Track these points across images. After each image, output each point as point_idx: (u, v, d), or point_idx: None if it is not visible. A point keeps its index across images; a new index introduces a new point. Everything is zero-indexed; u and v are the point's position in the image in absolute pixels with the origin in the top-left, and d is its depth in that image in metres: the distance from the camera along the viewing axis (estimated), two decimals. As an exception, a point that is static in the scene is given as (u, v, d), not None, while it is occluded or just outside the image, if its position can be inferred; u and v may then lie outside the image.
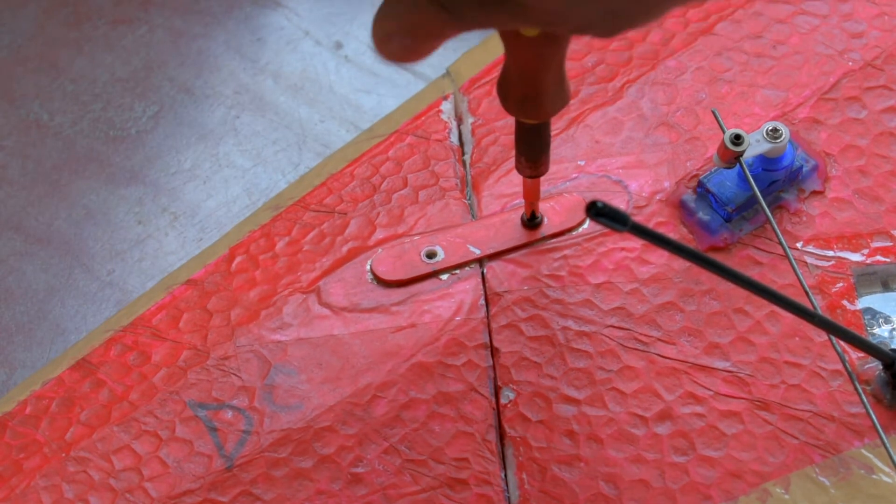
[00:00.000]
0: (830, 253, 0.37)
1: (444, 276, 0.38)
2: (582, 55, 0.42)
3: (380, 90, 0.49)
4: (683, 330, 0.36)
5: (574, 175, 0.39)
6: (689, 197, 0.38)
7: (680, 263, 0.37)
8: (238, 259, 0.39)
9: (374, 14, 0.31)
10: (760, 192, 0.36)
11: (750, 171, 0.37)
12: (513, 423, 0.35)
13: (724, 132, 0.36)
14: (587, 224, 0.38)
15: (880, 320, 0.36)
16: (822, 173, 0.39)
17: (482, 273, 0.38)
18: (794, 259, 0.36)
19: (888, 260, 0.37)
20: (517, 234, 0.38)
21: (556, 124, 0.40)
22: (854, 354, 0.35)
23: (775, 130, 0.36)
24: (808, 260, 0.37)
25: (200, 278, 0.39)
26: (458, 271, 0.38)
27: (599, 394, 0.35)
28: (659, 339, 0.36)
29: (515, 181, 0.38)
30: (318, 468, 0.34)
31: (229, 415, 0.35)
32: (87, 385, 0.36)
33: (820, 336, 0.36)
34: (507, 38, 0.31)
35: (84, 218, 0.46)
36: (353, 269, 0.38)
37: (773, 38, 0.41)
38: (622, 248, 0.37)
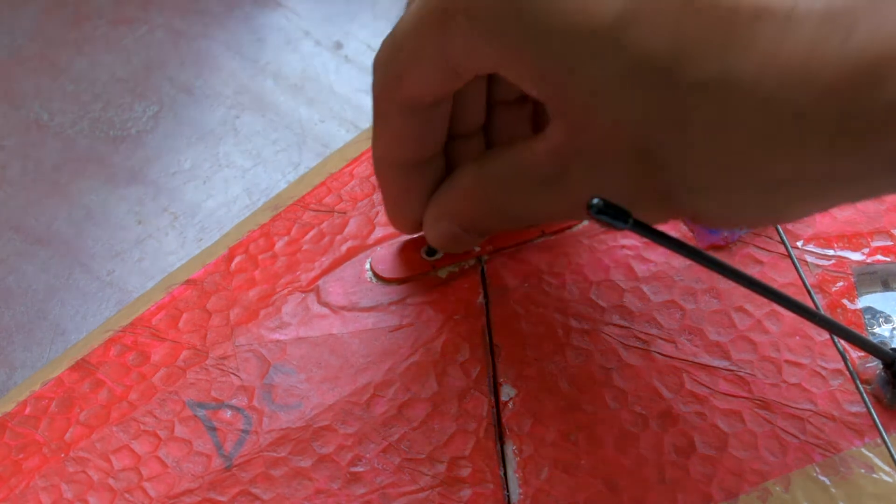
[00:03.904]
0: (831, 252, 0.37)
1: (444, 274, 0.38)
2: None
3: (380, 90, 0.49)
4: (684, 328, 0.36)
5: (574, 174, 0.39)
6: (689, 195, 0.38)
7: (680, 261, 0.37)
8: (237, 259, 0.39)
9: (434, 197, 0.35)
10: (761, 190, 0.36)
11: (750, 170, 0.36)
12: (512, 421, 0.35)
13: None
14: (587, 221, 0.38)
15: (880, 319, 0.36)
16: (822, 172, 0.39)
17: (482, 270, 0.38)
18: (795, 258, 0.36)
19: (888, 259, 0.37)
20: (517, 231, 0.38)
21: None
22: (854, 354, 0.35)
23: (776, 129, 0.36)
24: (809, 259, 0.37)
25: (200, 278, 0.39)
26: (457, 268, 0.38)
27: (599, 392, 0.35)
28: (659, 338, 0.36)
29: (515, 180, 0.38)
30: (317, 467, 0.34)
31: (228, 414, 0.35)
32: (86, 385, 0.36)
33: (820, 335, 0.36)
34: None
35: (84, 218, 0.45)
36: (353, 269, 0.38)
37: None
38: (623, 246, 0.37)
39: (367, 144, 0.41)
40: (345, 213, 0.39)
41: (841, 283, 0.37)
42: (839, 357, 0.35)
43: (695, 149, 0.27)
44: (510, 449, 0.34)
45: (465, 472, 0.34)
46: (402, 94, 0.32)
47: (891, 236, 0.37)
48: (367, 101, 0.49)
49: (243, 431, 0.35)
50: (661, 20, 0.26)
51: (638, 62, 0.27)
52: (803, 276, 0.35)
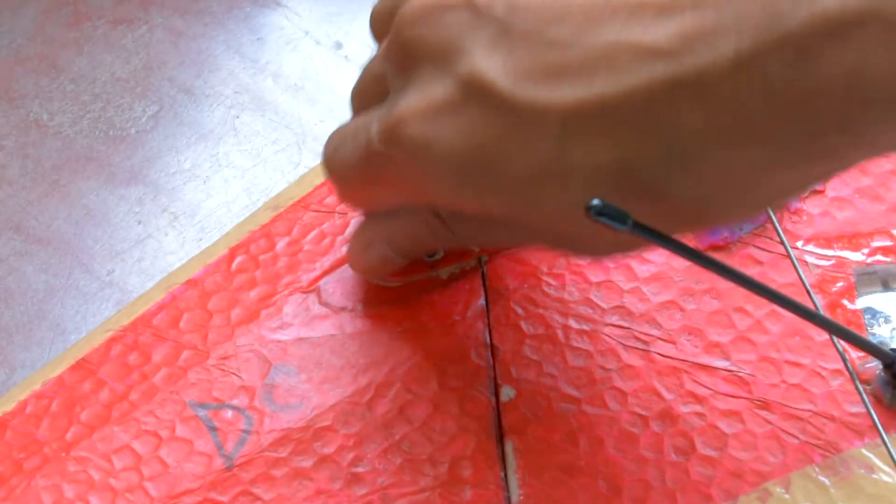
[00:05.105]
0: (830, 252, 0.37)
1: (444, 275, 0.38)
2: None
3: (380, 90, 0.49)
4: (683, 329, 0.36)
5: (574, 174, 0.39)
6: (689, 196, 0.38)
7: (680, 262, 0.37)
8: (238, 259, 0.39)
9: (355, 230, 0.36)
10: (760, 191, 0.36)
11: (750, 171, 0.36)
12: (513, 421, 0.35)
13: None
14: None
15: (880, 320, 0.36)
16: (822, 173, 0.39)
17: (482, 271, 0.38)
18: (795, 258, 0.36)
19: (888, 259, 0.37)
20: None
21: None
22: (854, 354, 0.35)
23: (775, 129, 0.36)
24: (809, 259, 0.37)
25: (200, 278, 0.39)
26: (457, 269, 0.38)
27: (599, 392, 0.35)
28: (659, 338, 0.36)
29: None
30: (318, 467, 0.34)
31: (229, 414, 0.35)
32: (87, 385, 0.36)
33: (820, 335, 0.36)
34: None
35: (84, 218, 0.45)
36: (353, 269, 0.38)
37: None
38: (622, 247, 0.37)
39: (368, 145, 0.41)
40: (346, 213, 0.39)
41: (841, 284, 0.37)
42: (839, 357, 0.35)
43: (674, 211, 0.28)
44: (510, 449, 0.34)
45: (466, 472, 0.34)
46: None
47: (891, 236, 0.37)
48: (366, 101, 0.49)
49: (244, 431, 0.35)
50: (602, 137, 0.27)
51: (594, 175, 0.27)
52: (803, 276, 0.35)
